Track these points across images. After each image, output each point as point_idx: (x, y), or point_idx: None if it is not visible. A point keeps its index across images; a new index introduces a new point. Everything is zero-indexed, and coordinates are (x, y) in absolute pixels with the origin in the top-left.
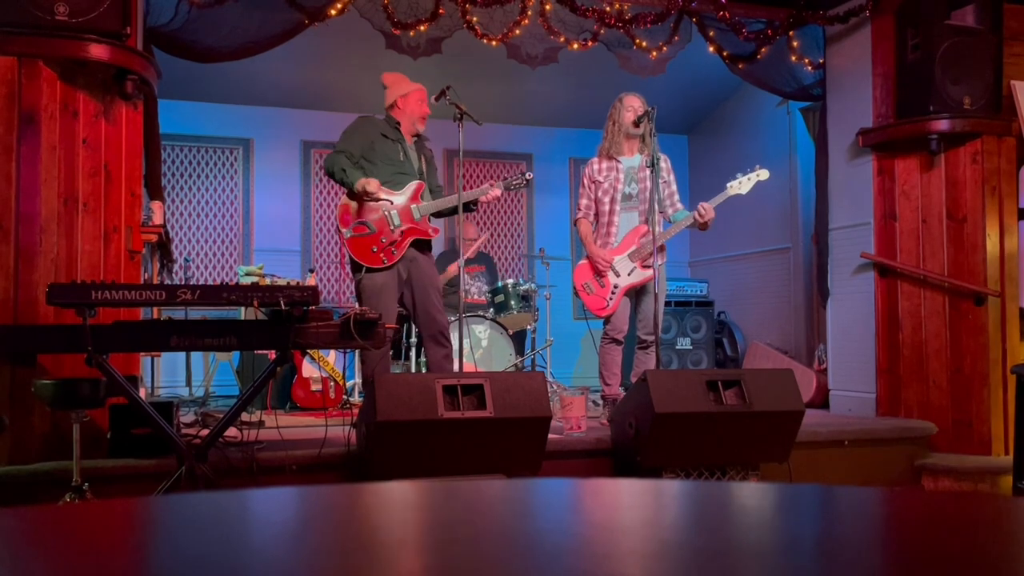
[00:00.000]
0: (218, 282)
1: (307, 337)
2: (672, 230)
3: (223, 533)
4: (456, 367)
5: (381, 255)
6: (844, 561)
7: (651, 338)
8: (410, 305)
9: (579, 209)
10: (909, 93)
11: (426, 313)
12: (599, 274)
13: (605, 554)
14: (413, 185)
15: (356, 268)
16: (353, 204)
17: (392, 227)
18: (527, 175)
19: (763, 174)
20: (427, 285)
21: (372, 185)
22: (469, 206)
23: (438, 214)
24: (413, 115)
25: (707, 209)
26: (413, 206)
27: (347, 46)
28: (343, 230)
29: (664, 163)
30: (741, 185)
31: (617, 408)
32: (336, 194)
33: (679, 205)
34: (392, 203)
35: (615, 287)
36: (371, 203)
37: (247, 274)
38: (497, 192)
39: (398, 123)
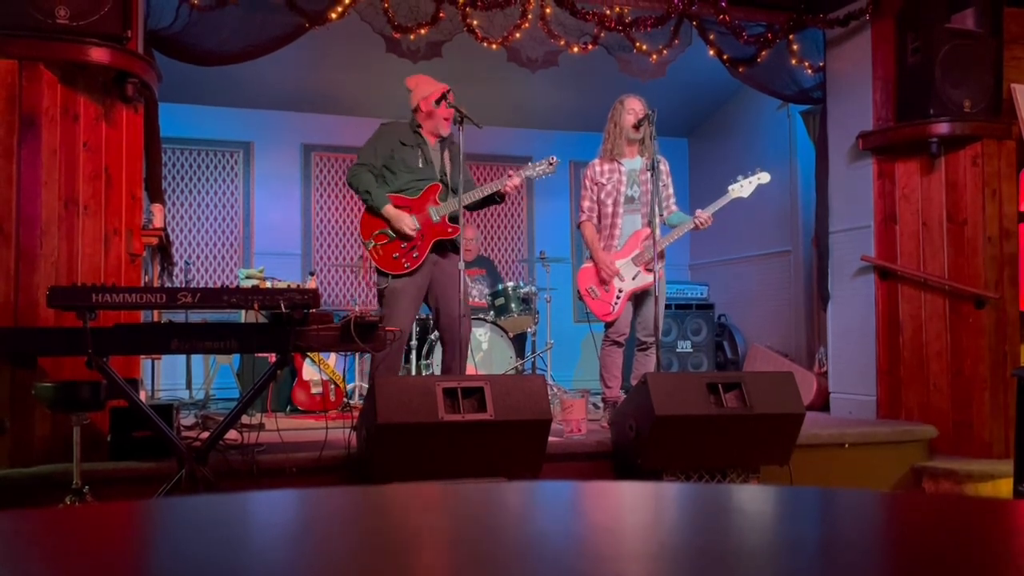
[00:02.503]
0: (218, 285)
1: (307, 340)
2: (673, 235)
3: (223, 536)
4: None
5: (403, 260)
6: (844, 564)
7: (651, 340)
8: (434, 309)
9: (582, 212)
10: (909, 96)
11: (447, 318)
12: (604, 281)
13: (606, 556)
14: (429, 187)
15: (382, 275)
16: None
17: (411, 233)
18: (552, 159)
19: (764, 177)
20: (448, 289)
21: (402, 225)
22: (495, 198)
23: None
24: (437, 116)
25: (706, 219)
26: (431, 208)
27: (347, 50)
28: (365, 242)
29: (663, 166)
30: (742, 188)
31: (617, 411)
32: (336, 198)
33: (674, 208)
34: (410, 209)
35: (620, 291)
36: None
37: (247, 277)
38: (518, 181)
39: (419, 125)
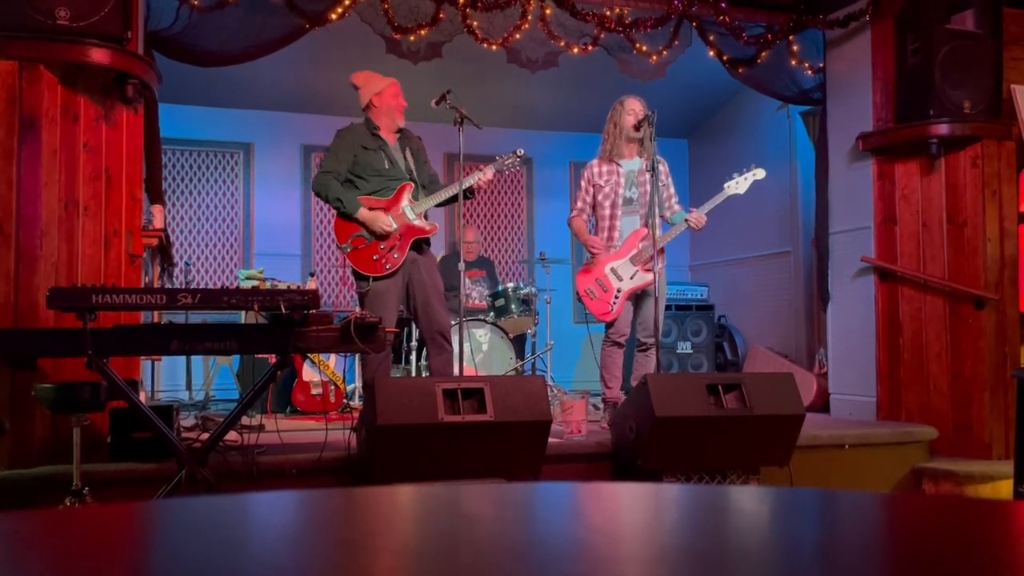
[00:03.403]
0: (218, 286)
1: (307, 341)
2: (670, 234)
3: (223, 537)
4: (456, 371)
5: (383, 262)
6: (844, 566)
7: (651, 341)
8: (413, 307)
9: (572, 209)
10: (909, 97)
11: (426, 314)
12: (594, 262)
13: (605, 558)
14: (401, 187)
15: (362, 279)
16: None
17: (389, 232)
18: (518, 151)
19: (759, 173)
20: (428, 286)
21: (379, 225)
22: (466, 194)
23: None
24: (390, 110)
25: (697, 218)
26: (406, 208)
27: (347, 50)
28: (342, 246)
29: (662, 166)
30: (738, 185)
31: (617, 412)
32: None
33: (677, 207)
34: (385, 211)
35: (618, 291)
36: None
37: (247, 278)
38: (489, 175)
39: (377, 127)
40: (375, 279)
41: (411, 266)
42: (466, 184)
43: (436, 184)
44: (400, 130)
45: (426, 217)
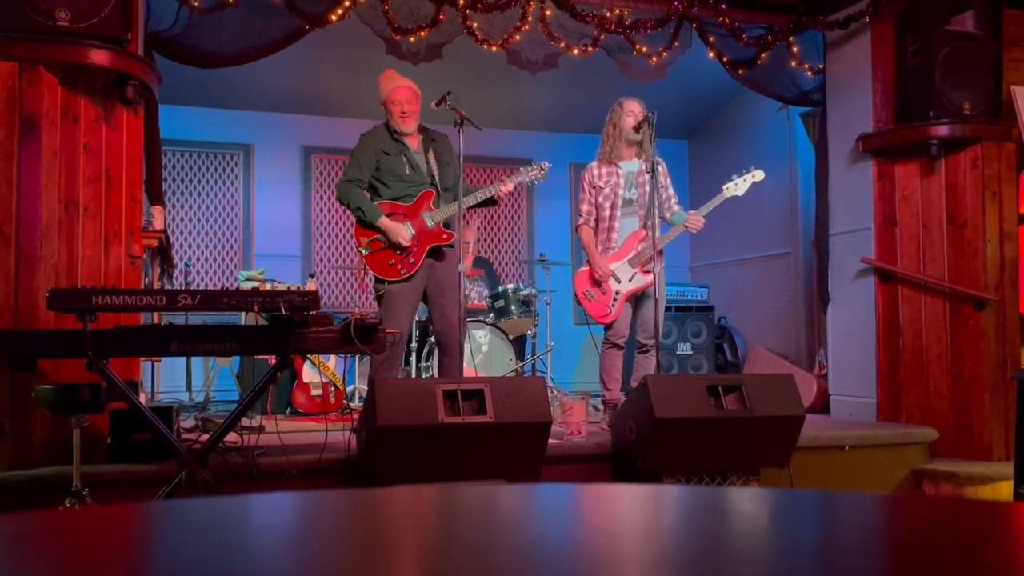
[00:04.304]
0: (219, 287)
1: (307, 342)
2: (669, 235)
3: (223, 538)
4: None
5: (399, 267)
6: (844, 566)
7: (651, 342)
8: (429, 311)
9: (580, 215)
10: (909, 98)
11: (442, 317)
12: (597, 282)
13: (605, 559)
14: (423, 193)
15: (379, 280)
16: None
17: (405, 246)
18: (543, 164)
19: (758, 175)
20: (444, 288)
21: (398, 238)
22: (486, 202)
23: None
24: (392, 116)
25: (696, 222)
26: (425, 214)
27: (348, 51)
28: (360, 249)
29: (661, 167)
30: (737, 187)
31: (618, 413)
32: (336, 200)
33: (677, 208)
34: (405, 216)
35: (617, 293)
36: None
37: (247, 279)
38: (511, 186)
39: (395, 129)
40: (390, 283)
41: (429, 271)
42: (488, 194)
43: (460, 186)
44: (425, 130)
45: (445, 225)
